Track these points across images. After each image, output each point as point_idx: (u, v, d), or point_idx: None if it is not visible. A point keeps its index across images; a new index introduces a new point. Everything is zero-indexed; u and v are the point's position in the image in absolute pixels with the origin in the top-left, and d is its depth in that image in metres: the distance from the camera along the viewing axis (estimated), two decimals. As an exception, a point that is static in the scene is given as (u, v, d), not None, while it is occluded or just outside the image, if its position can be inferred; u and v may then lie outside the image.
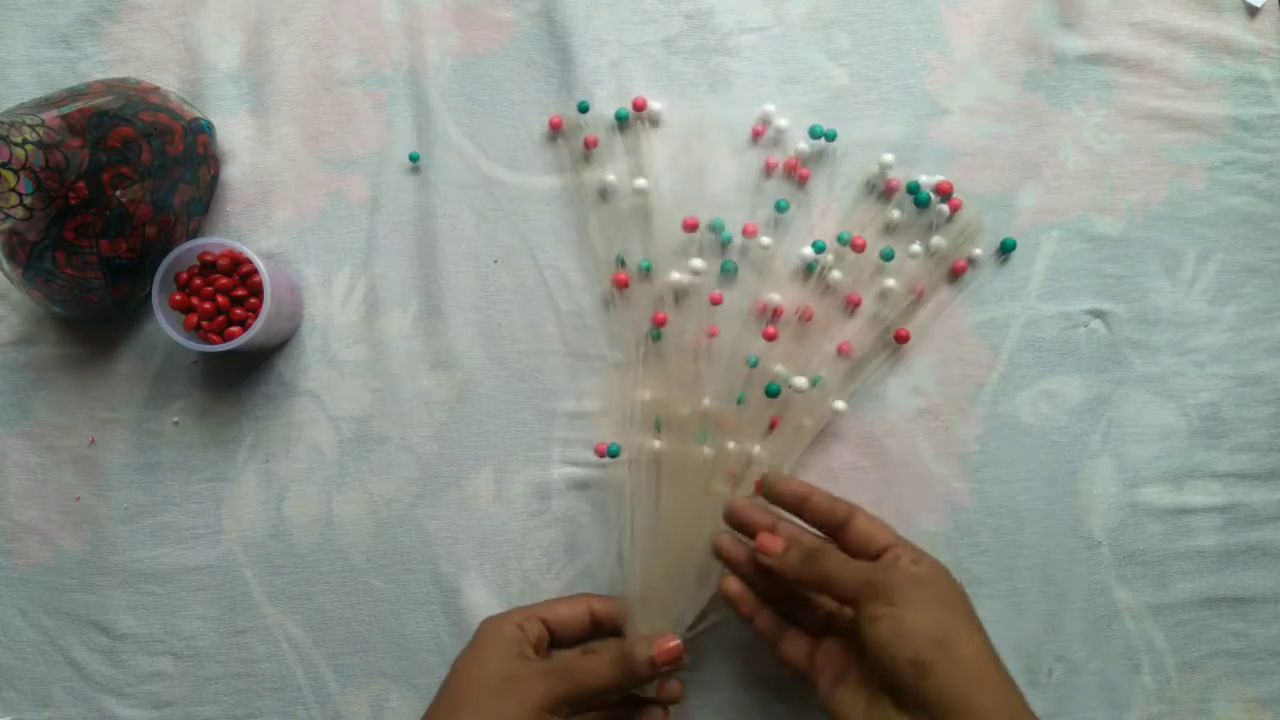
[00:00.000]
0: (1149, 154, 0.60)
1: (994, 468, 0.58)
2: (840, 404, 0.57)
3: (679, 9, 0.61)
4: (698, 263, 0.58)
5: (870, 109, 0.61)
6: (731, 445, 0.54)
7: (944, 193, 0.58)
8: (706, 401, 0.55)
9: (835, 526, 0.47)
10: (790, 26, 0.61)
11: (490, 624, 0.50)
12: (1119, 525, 0.58)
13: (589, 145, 0.60)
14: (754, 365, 0.55)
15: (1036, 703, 0.56)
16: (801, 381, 0.55)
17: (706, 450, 0.52)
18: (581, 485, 0.58)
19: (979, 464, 0.58)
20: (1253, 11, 0.61)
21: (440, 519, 0.58)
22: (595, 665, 0.47)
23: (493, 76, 0.61)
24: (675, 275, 0.58)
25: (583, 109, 0.60)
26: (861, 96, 0.61)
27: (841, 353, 0.57)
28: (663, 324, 0.57)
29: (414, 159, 0.60)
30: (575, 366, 0.59)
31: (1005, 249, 0.59)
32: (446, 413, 0.59)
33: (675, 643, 0.47)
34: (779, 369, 0.56)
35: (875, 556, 0.46)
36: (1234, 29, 0.61)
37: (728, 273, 0.59)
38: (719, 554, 0.50)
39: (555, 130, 0.60)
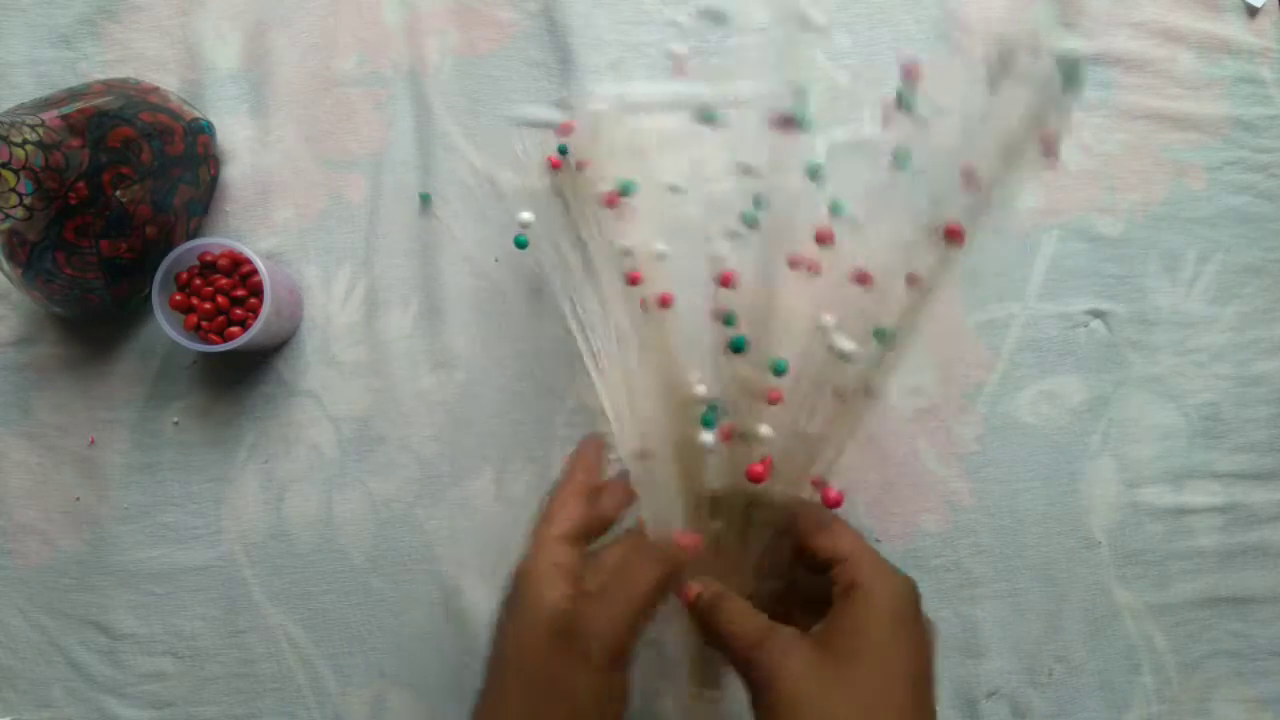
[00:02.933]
0: (1149, 154, 0.60)
1: (994, 468, 0.58)
2: (849, 345, 0.46)
3: (679, 9, 0.62)
4: (661, 247, 0.50)
5: (871, 110, 0.61)
6: (766, 429, 0.47)
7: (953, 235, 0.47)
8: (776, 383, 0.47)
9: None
10: (790, 27, 0.61)
11: (531, 589, 0.43)
12: (1119, 525, 0.58)
13: (582, 167, 0.59)
14: (731, 324, 0.47)
15: (1037, 703, 0.56)
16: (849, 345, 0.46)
17: (708, 437, 0.47)
18: (581, 485, 0.58)
19: (979, 464, 0.58)
20: (1253, 11, 0.61)
21: (440, 519, 0.58)
22: (641, 576, 0.43)
23: (493, 76, 0.61)
24: (658, 247, 0.50)
25: (562, 151, 0.59)
26: (862, 97, 0.61)
27: (863, 284, 0.46)
28: (637, 282, 0.49)
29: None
30: (575, 366, 0.59)
31: None
32: (446, 413, 0.59)
33: (693, 536, 0.45)
34: (837, 338, 0.46)
35: (829, 567, 0.43)
36: (1234, 29, 0.61)
37: (749, 224, 0.50)
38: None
39: (555, 168, 0.60)
